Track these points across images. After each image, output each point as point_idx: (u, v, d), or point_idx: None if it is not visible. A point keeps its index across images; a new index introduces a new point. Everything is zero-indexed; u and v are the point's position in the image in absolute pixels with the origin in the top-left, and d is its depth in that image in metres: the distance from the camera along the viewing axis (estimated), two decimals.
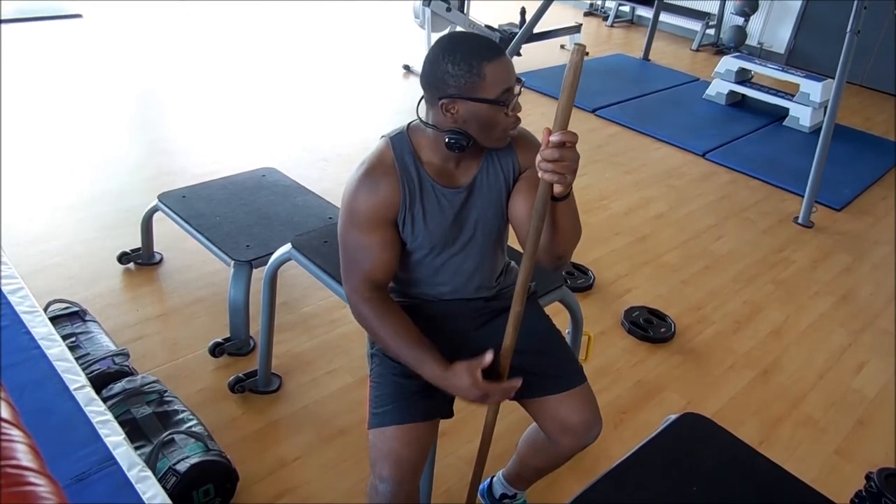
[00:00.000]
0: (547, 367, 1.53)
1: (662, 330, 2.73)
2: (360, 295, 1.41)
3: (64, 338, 1.86)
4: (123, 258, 2.78)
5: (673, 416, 1.63)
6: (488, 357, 1.30)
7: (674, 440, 1.56)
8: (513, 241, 1.54)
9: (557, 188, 1.21)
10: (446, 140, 1.33)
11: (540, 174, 1.18)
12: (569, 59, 1.10)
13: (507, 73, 1.30)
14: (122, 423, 1.61)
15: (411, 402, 1.43)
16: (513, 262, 1.66)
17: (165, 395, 1.97)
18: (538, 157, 1.17)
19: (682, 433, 1.58)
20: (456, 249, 1.48)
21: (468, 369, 1.30)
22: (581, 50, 1.10)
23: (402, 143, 1.40)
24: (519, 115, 1.36)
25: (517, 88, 1.33)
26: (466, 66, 1.27)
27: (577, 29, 6.37)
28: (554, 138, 1.14)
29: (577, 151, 1.17)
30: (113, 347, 2.15)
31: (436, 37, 2.54)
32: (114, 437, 1.49)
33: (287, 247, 2.03)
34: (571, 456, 1.58)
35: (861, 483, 1.73)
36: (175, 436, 1.80)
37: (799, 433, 2.34)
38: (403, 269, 1.52)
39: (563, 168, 1.16)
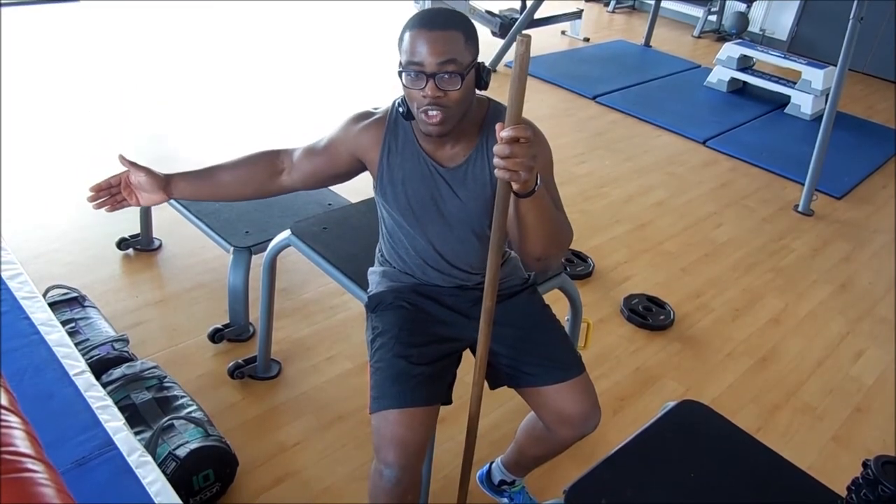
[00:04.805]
0: (545, 358, 1.53)
1: (661, 317, 2.74)
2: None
3: (63, 323, 1.86)
4: (122, 244, 2.77)
5: (671, 403, 1.64)
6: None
7: (672, 427, 1.56)
8: None
9: (515, 185, 1.16)
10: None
11: (495, 171, 1.13)
12: (514, 52, 1.04)
13: (421, 45, 1.24)
14: (121, 409, 1.61)
15: (413, 386, 1.43)
16: (512, 253, 1.65)
17: (165, 380, 1.97)
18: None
19: (681, 420, 1.59)
20: (434, 229, 1.49)
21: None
22: (525, 41, 1.02)
23: (404, 105, 1.39)
24: (436, 101, 1.27)
25: (432, 67, 1.24)
26: (402, 30, 1.30)
27: (578, 15, 6.33)
28: (504, 134, 1.08)
29: (532, 147, 1.11)
30: (112, 333, 2.15)
31: None
32: (113, 422, 1.49)
33: (286, 233, 2.03)
34: (570, 445, 1.59)
35: (858, 470, 1.73)
36: (175, 421, 1.80)
37: (797, 420, 2.35)
38: (392, 242, 1.57)
39: (515, 165, 1.10)
